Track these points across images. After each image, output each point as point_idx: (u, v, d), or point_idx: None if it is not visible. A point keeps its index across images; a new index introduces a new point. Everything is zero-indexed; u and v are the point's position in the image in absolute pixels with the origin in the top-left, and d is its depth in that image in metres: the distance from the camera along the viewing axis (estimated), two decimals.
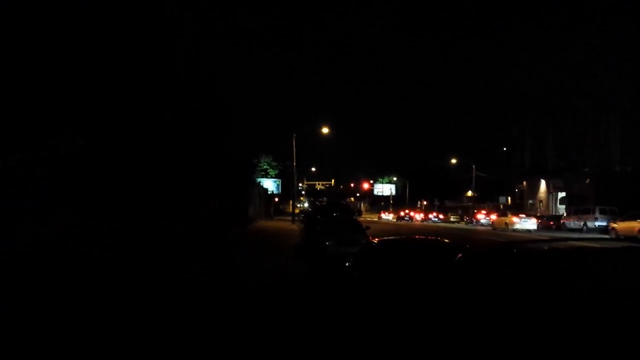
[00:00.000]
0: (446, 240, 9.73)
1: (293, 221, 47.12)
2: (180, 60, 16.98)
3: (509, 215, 45.07)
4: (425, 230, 39.33)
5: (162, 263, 12.42)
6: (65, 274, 9.20)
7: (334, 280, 9.81)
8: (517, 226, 40.55)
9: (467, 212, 65.47)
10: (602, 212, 37.44)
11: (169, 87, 15.87)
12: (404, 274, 7.38)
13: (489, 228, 44.77)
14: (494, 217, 48.49)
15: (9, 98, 8.62)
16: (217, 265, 13.41)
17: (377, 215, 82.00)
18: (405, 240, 10.77)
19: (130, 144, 13.23)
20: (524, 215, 44.20)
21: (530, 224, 40.90)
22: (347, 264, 9.37)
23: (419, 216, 69.37)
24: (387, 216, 78.85)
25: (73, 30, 10.22)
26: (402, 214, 71.75)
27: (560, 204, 52.59)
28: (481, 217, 52.99)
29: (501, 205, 72.07)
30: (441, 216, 67.66)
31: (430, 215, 67.83)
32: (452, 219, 63.10)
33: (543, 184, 57.99)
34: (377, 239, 10.43)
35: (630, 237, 25.54)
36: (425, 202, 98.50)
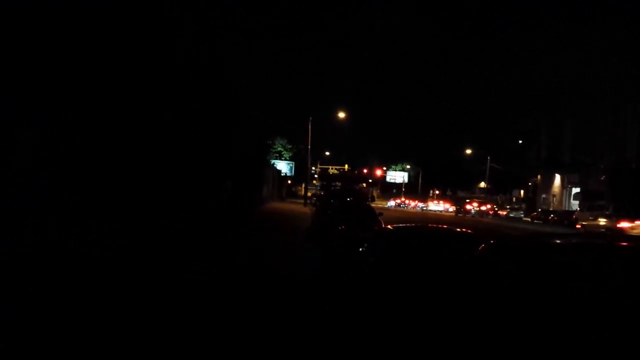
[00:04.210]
0: (458, 229, 9.74)
1: (305, 204, 47.21)
2: (180, 52, 16.72)
3: (428, 201, 75.88)
4: (408, 214, 51.19)
5: (171, 255, 12.34)
6: (65, 274, 9.18)
7: (346, 266, 9.74)
8: (432, 208, 68.58)
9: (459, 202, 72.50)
10: (616, 209, 36.87)
11: (171, 80, 15.69)
12: (419, 261, 7.44)
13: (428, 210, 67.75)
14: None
15: (9, 97, 8.56)
16: (227, 257, 13.34)
17: (387, 202, 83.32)
18: (419, 228, 10.87)
19: (136, 136, 13.14)
20: (437, 201, 73.98)
21: (439, 207, 68.48)
22: (360, 250, 9.33)
23: (413, 203, 79.63)
24: (392, 203, 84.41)
25: (76, 27, 10.10)
26: (398, 201, 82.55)
27: (574, 200, 52.07)
28: (432, 204, 73.03)
29: (514, 198, 71.74)
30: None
31: (420, 204, 77.76)
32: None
33: (558, 179, 57.34)
34: (390, 226, 10.38)
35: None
36: (437, 191, 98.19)
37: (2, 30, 8.59)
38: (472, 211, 56.42)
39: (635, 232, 28.37)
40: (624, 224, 30.22)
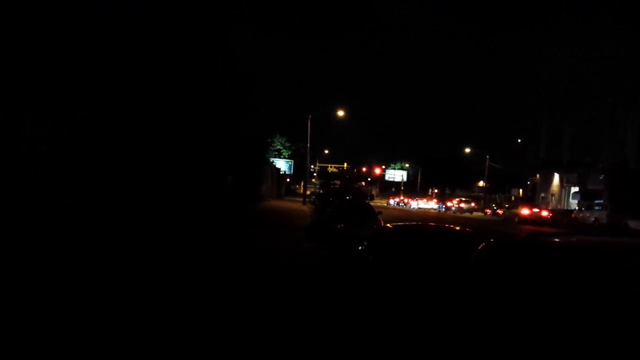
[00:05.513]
0: (457, 228, 9.80)
1: (304, 202, 47.22)
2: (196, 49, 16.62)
3: (418, 199, 79.86)
4: (402, 212, 54.82)
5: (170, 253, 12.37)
6: (58, 268, 9.19)
7: (346, 263, 9.76)
8: (421, 205, 74.15)
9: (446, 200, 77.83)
10: (613, 209, 37.16)
11: (188, 79, 15.56)
12: (418, 259, 7.50)
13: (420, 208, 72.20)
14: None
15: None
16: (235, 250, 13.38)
17: (386, 200, 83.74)
18: (419, 227, 10.89)
19: (145, 130, 13.10)
20: (425, 199, 79.80)
21: (428, 204, 74.54)
22: (359, 248, 9.35)
23: (411, 202, 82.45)
24: (392, 202, 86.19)
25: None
26: (397, 200, 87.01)
27: (572, 199, 52.16)
28: (421, 202, 77.89)
29: (513, 197, 71.82)
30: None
31: (414, 202, 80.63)
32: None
33: (556, 178, 57.40)
34: (390, 224, 10.40)
35: None
36: (436, 190, 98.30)
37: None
38: (453, 208, 64.98)
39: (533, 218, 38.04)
40: (524, 211, 40.62)
